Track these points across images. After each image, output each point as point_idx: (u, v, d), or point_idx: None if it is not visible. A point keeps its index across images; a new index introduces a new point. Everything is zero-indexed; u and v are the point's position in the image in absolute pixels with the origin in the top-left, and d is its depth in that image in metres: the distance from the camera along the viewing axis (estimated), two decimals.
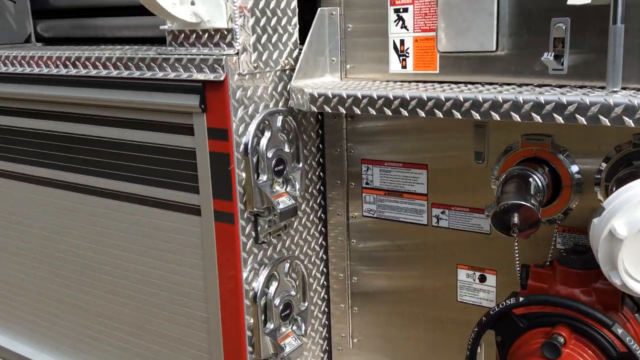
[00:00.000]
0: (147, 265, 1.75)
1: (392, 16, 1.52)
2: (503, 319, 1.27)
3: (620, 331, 1.13)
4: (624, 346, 1.15)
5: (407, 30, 1.50)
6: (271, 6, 1.52)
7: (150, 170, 1.66)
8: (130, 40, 2.15)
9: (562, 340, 1.17)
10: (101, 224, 1.83)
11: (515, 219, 1.23)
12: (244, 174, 1.51)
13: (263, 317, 1.59)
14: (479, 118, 1.25)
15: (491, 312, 1.27)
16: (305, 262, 1.73)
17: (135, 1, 2.14)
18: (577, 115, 1.14)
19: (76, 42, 2.25)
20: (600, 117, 1.13)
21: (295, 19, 1.60)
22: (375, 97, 1.39)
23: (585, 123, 1.14)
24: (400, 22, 1.51)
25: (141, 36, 2.14)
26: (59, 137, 1.86)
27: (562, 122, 1.16)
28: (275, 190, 1.57)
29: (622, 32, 1.15)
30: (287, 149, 1.59)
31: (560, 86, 1.28)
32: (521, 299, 1.23)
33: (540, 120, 1.18)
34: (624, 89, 1.19)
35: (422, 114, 1.32)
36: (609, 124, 1.12)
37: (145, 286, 1.77)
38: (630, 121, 1.10)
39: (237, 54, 1.46)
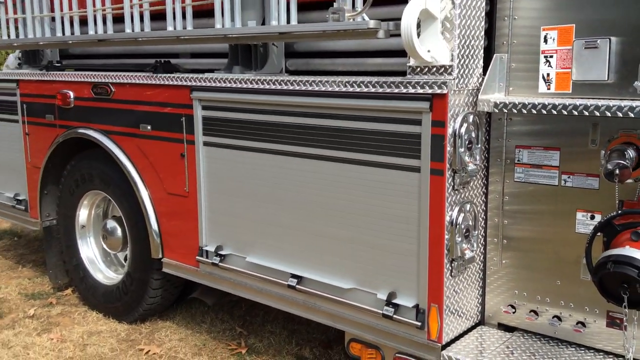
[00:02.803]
0: (376, 204, 2.86)
1: (542, 60, 2.61)
2: (607, 226, 2.31)
3: None
4: None
5: (552, 67, 2.59)
6: (471, 54, 2.65)
7: (389, 146, 2.78)
8: (348, 73, 3.31)
9: None
10: (347, 180, 2.96)
11: (617, 169, 2.28)
12: (450, 147, 2.62)
13: (454, 235, 2.67)
14: (597, 115, 2.32)
15: (600, 222, 2.31)
16: (476, 206, 2.81)
17: (351, 47, 3.33)
18: None
19: (311, 73, 3.42)
20: None
21: (481, 61, 2.72)
22: (536, 103, 2.48)
23: None
24: (548, 63, 2.60)
25: (354, 70, 3.32)
26: (321, 128, 3.02)
27: None
28: (466, 159, 2.67)
29: None
30: (473, 135, 2.70)
31: None
32: (616, 212, 2.27)
33: (633, 116, 2.24)
34: None
35: (565, 113, 2.40)
36: None
37: (372, 217, 2.87)
38: None
39: (454, 79, 2.59)
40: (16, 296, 4.89)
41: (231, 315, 4.44)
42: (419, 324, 2.76)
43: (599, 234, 2.39)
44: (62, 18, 4.29)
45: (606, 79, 2.42)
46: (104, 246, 4.56)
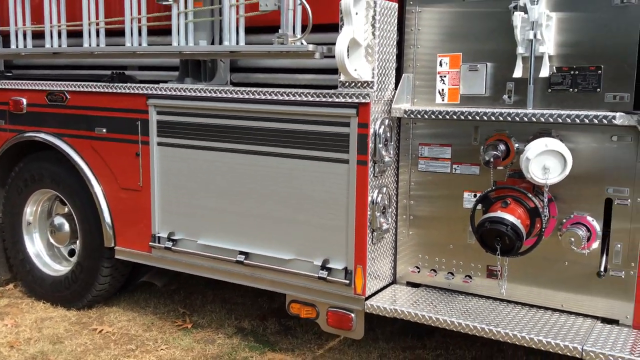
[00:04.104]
0: (312, 189, 3.60)
1: (438, 79, 3.49)
2: (484, 199, 3.19)
3: (530, 195, 3.07)
4: (533, 203, 3.08)
5: (445, 84, 3.47)
6: (386, 73, 3.48)
7: (323, 144, 3.53)
8: (283, 86, 4.04)
9: (508, 201, 3.10)
10: (287, 171, 3.67)
11: (492, 158, 3.17)
12: (372, 144, 3.42)
13: (375, 211, 3.46)
14: (478, 119, 3.21)
15: (480, 195, 3.19)
16: (390, 190, 3.63)
17: (285, 65, 4.03)
18: (514, 118, 3.12)
19: (252, 85, 4.12)
20: (524, 119, 3.10)
21: (393, 79, 3.56)
22: (434, 111, 3.34)
23: (515, 120, 3.11)
24: (442, 81, 3.48)
25: (288, 84, 4.06)
26: (267, 129, 3.72)
27: (509, 120, 3.12)
28: (383, 153, 3.48)
29: (533, 89, 3.14)
30: (389, 135, 3.51)
31: (511, 109, 3.24)
32: (491, 188, 3.16)
33: (502, 120, 3.14)
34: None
35: (455, 118, 3.27)
36: (511, 121, 3.09)
37: (309, 200, 3.61)
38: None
39: (374, 91, 3.40)
40: None
41: (172, 300, 4.99)
42: (348, 281, 3.52)
43: (479, 205, 3.27)
44: (16, 32, 4.70)
45: (484, 93, 3.34)
46: (52, 241, 4.95)
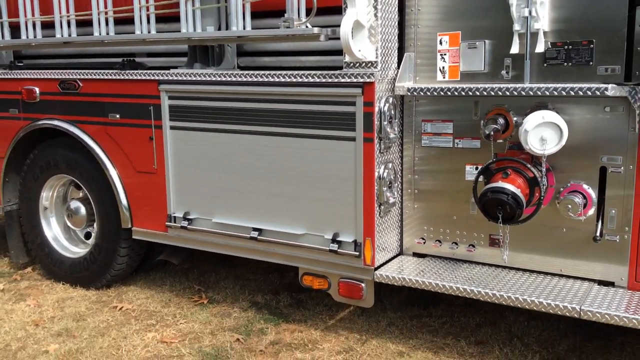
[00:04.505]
0: (322, 167, 3.76)
1: (439, 57, 3.64)
2: (486, 170, 3.36)
3: (529, 165, 3.24)
4: (531, 172, 3.25)
5: (445, 62, 3.62)
6: (389, 53, 3.63)
7: (331, 123, 3.70)
8: (287, 68, 4.18)
9: (509, 172, 3.27)
10: (297, 150, 3.84)
11: (492, 132, 3.34)
12: (377, 121, 3.58)
13: (382, 186, 3.64)
14: (478, 95, 3.37)
15: (481, 167, 3.36)
16: (395, 165, 3.80)
17: (289, 48, 4.18)
18: (512, 93, 3.28)
19: (256, 68, 4.27)
20: (522, 93, 3.26)
21: (396, 58, 3.71)
22: (436, 88, 3.50)
23: (513, 95, 3.27)
24: (442, 59, 3.63)
25: (292, 66, 4.20)
26: (277, 110, 3.89)
27: (508, 95, 3.28)
28: (388, 130, 3.64)
29: (529, 64, 3.29)
30: (393, 112, 3.68)
31: (509, 84, 3.40)
32: (492, 160, 3.33)
33: (501, 94, 3.30)
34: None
35: (456, 94, 3.43)
36: (516, 95, 3.25)
37: (319, 177, 3.77)
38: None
39: (378, 71, 3.55)
40: None
41: (187, 278, 5.18)
42: (357, 253, 3.70)
43: (481, 177, 3.44)
44: (25, 23, 4.84)
45: (483, 69, 3.49)
46: (69, 224, 5.14)
